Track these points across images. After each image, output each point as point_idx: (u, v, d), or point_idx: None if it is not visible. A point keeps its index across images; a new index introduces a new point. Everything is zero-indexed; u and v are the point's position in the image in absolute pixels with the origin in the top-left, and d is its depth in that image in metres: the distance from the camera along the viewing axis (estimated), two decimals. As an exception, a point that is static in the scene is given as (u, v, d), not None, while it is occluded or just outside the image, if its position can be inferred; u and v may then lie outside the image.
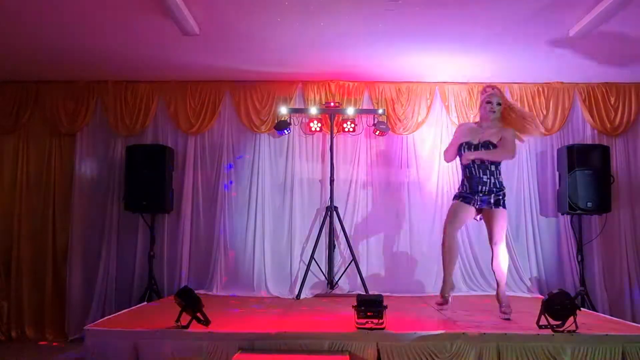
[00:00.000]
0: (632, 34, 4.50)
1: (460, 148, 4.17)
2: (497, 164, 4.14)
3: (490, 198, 4.07)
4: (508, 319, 3.97)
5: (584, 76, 5.62)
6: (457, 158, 4.26)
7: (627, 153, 5.77)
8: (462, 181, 4.26)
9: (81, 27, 4.48)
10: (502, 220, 4.11)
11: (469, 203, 4.12)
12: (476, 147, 4.10)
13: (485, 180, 4.09)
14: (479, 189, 4.08)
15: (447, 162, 4.47)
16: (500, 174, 4.16)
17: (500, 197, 4.10)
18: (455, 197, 4.25)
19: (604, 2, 3.91)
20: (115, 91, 5.80)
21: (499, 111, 4.16)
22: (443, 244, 4.17)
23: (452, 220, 4.17)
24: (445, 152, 4.36)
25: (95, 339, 3.44)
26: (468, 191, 4.13)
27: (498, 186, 4.12)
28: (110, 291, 5.57)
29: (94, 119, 5.83)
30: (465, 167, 4.18)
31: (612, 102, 5.75)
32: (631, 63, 5.19)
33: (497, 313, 4.18)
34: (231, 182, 5.80)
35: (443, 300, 4.11)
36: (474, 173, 4.11)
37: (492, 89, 4.19)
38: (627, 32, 4.46)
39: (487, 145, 4.09)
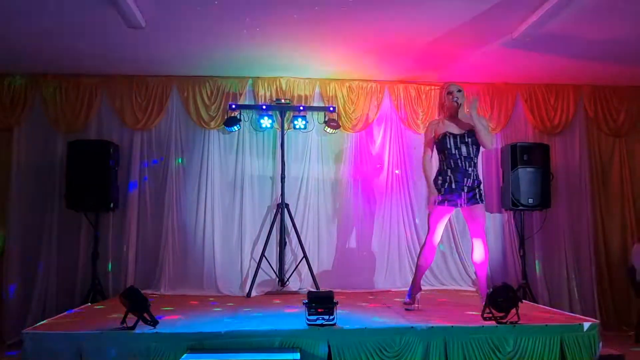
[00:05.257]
0: (572, 36, 4.69)
1: (444, 137, 4.02)
2: (478, 156, 4.07)
3: (476, 193, 4.00)
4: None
5: (526, 77, 5.84)
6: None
7: (565, 151, 6.02)
8: (443, 173, 4.03)
9: (16, 14, 4.23)
10: (484, 213, 4.11)
11: (454, 206, 4.02)
12: (461, 137, 3.99)
13: (470, 172, 3.98)
14: (465, 182, 3.95)
15: (430, 166, 4.18)
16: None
17: (482, 190, 4.07)
18: (440, 202, 4.00)
19: (546, 4, 4.05)
20: (56, 85, 5.56)
21: (462, 99, 4.07)
22: (423, 257, 4.13)
23: (436, 233, 4.07)
24: (424, 154, 4.19)
25: (34, 343, 3.27)
26: (453, 187, 3.96)
27: (479, 179, 4.06)
28: (50, 293, 5.35)
29: (32, 114, 5.57)
30: (450, 158, 4.00)
31: (552, 102, 6.00)
32: (569, 65, 5.42)
33: (444, 307, 4.29)
34: (145, 178, 5.66)
35: (412, 301, 4.18)
36: (461, 165, 3.96)
37: (448, 83, 4.19)
38: (567, 34, 4.64)
39: (471, 134, 3.98)
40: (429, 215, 4.14)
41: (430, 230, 4.11)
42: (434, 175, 4.12)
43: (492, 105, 5.95)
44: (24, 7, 4.10)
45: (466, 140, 4.00)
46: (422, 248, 4.21)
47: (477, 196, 4.01)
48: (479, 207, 4.03)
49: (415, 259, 5.64)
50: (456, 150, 4.00)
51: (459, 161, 3.98)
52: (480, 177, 4.15)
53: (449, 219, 5.38)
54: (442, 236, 5.61)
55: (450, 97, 4.08)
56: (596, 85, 6.02)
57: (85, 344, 3.25)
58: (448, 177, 4.01)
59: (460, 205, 4.02)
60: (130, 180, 5.59)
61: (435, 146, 4.15)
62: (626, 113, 6.02)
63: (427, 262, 4.19)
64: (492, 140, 4.18)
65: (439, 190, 4.03)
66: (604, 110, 6.02)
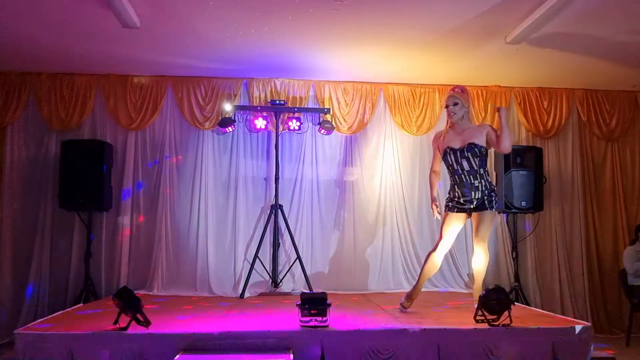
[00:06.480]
0: (565, 40, 4.73)
1: (445, 154, 4.04)
2: (485, 166, 4.02)
3: (485, 201, 3.95)
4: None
5: (519, 80, 5.87)
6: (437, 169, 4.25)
7: (558, 154, 6.07)
8: (452, 188, 4.09)
9: (13, 14, 4.22)
10: (490, 220, 4.02)
11: (464, 211, 4.01)
12: (461, 151, 3.96)
13: (477, 185, 3.95)
14: (474, 195, 3.95)
15: (436, 174, 4.24)
16: (488, 175, 4.05)
17: (493, 197, 4.00)
18: (449, 208, 4.08)
19: (538, 10, 4.10)
20: (50, 84, 5.54)
21: (461, 111, 4.02)
22: (430, 262, 4.09)
23: (446, 240, 4.07)
24: (431, 168, 4.23)
25: (26, 343, 3.26)
26: (462, 202, 3.99)
27: (490, 187, 4.00)
28: (43, 293, 5.32)
29: (26, 112, 5.54)
30: (455, 174, 4.02)
31: (545, 106, 6.04)
32: (562, 69, 5.46)
33: (437, 309, 4.30)
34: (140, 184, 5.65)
35: (410, 304, 4.17)
36: (465, 179, 3.97)
37: (452, 90, 4.08)
38: (561, 38, 4.68)
39: (471, 147, 3.95)
40: (441, 222, 4.15)
41: (440, 236, 4.12)
42: (448, 189, 4.18)
43: (485, 108, 5.97)
44: (18, 6, 4.09)
45: (466, 154, 3.96)
46: (430, 253, 4.15)
47: (486, 203, 3.97)
48: (486, 214, 3.98)
49: (408, 261, 5.74)
50: (458, 166, 4.00)
51: (463, 176, 3.99)
52: (493, 185, 4.08)
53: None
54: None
55: (446, 110, 4.08)
56: (589, 90, 6.07)
57: (77, 345, 3.24)
58: (456, 193, 4.03)
59: (468, 211, 4.02)
60: (123, 180, 5.57)
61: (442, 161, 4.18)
62: (618, 117, 6.08)
63: (434, 268, 4.17)
64: (509, 145, 4.02)
65: (451, 200, 4.08)
66: (597, 114, 6.06)
